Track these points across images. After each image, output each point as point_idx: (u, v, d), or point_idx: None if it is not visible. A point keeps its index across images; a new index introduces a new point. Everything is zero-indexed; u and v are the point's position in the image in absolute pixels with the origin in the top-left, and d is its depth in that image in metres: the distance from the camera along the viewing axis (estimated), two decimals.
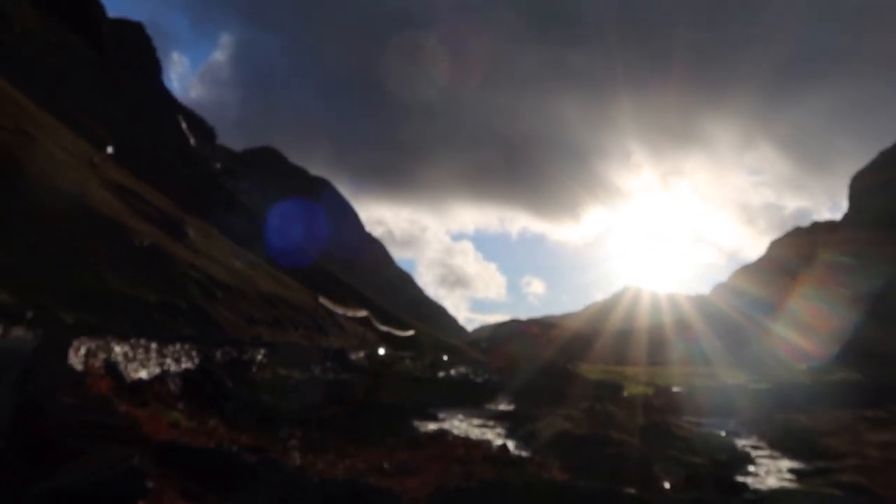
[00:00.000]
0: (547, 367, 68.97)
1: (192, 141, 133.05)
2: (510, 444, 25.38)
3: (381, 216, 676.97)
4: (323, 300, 57.47)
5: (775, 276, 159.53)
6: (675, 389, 57.71)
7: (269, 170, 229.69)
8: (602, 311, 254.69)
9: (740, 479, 24.50)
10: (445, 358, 73.91)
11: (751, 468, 27.77)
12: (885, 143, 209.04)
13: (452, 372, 58.14)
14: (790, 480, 25.79)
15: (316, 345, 44.01)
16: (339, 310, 59.64)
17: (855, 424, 39.08)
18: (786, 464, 28.31)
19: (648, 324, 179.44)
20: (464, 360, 79.81)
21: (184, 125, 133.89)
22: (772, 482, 25.27)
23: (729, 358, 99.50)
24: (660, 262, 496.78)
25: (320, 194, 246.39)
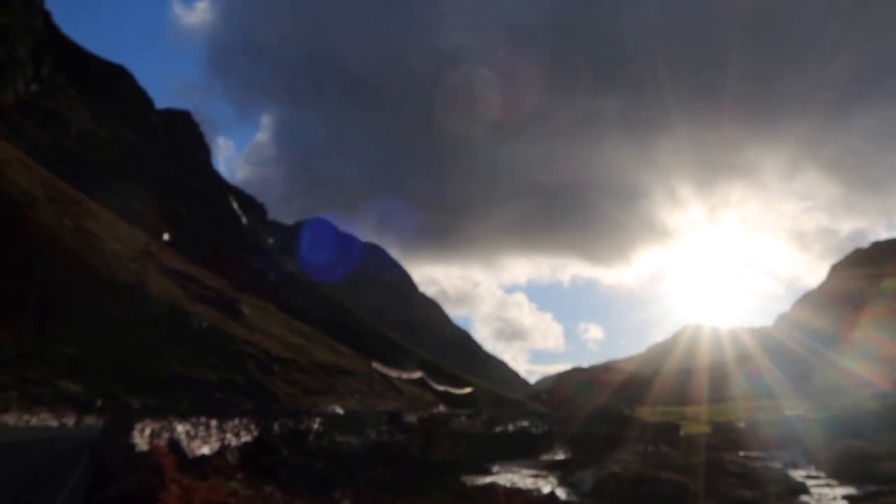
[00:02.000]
0: (606, 412, 68.98)
1: (244, 219, 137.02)
2: (560, 492, 26.12)
3: (433, 275, 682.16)
4: (377, 365, 58.69)
5: (839, 304, 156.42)
6: (734, 425, 57.34)
7: (321, 239, 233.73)
8: (663, 352, 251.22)
9: None
10: (503, 413, 74.43)
11: (804, 498, 28.02)
12: None
13: (510, 426, 58.63)
14: None
15: (370, 409, 45.16)
16: (394, 373, 60.77)
17: None
18: (840, 491, 28.46)
19: (710, 360, 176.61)
20: (523, 413, 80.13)
21: (235, 205, 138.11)
22: None
23: (793, 389, 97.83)
24: (718, 297, 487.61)
25: (372, 260, 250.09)
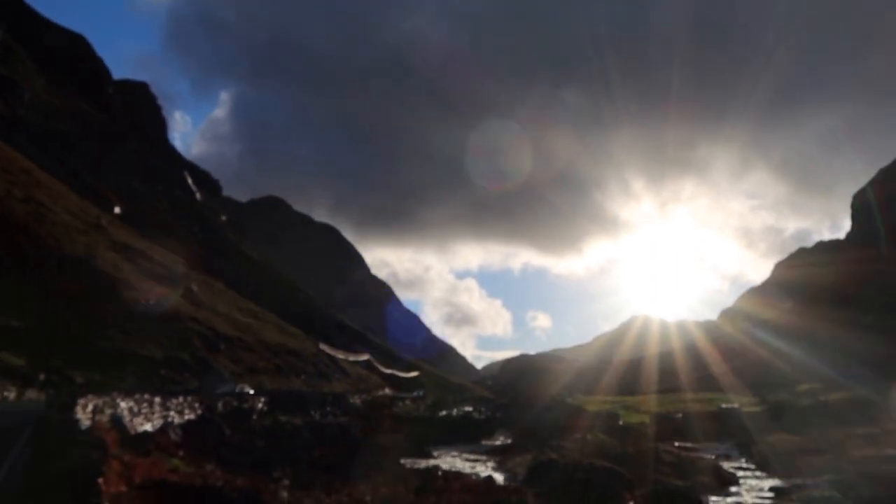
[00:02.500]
0: (550, 400, 70.16)
1: (197, 195, 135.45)
2: (497, 476, 26.85)
3: (385, 258, 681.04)
4: (324, 346, 58.95)
5: (782, 298, 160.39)
6: (673, 416, 58.83)
7: (275, 219, 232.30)
8: (611, 342, 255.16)
9: (716, 498, 25.93)
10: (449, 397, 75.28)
11: (733, 489, 29.14)
12: (883, 162, 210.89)
13: (454, 411, 59.39)
14: (767, 498, 27.16)
15: (316, 390, 45.49)
16: (341, 355, 61.07)
17: (844, 442, 40.34)
18: (768, 483, 29.64)
19: (658, 351, 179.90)
20: (468, 399, 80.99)
21: (189, 181, 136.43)
22: (749, 500, 26.68)
23: (738, 381, 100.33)
24: (665, 290, 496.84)
25: (325, 239, 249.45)
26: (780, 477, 29.95)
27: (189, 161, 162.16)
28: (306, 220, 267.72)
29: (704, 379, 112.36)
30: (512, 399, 74.47)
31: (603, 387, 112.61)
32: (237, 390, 37.15)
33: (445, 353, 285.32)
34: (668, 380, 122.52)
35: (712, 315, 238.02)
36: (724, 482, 28.11)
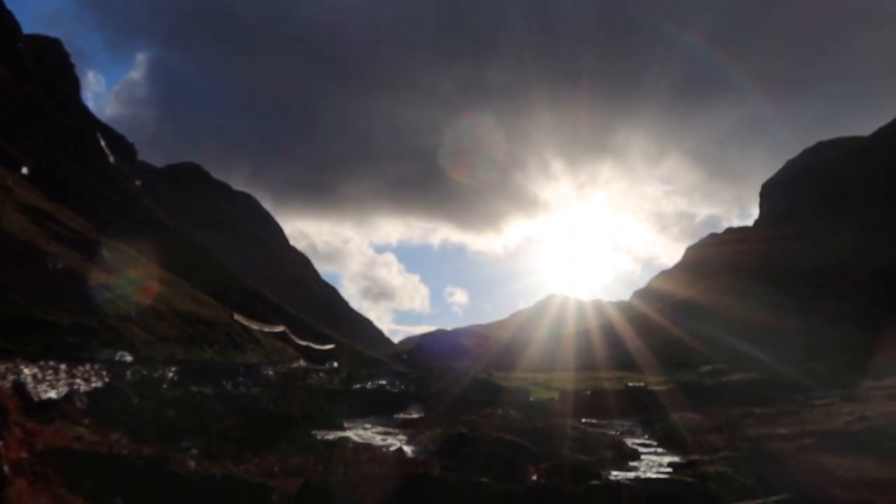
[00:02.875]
0: (464, 376, 71.14)
1: (111, 159, 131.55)
2: (407, 448, 27.23)
3: (304, 230, 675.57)
4: (238, 317, 58.36)
5: (692, 281, 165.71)
6: (583, 392, 60.37)
7: (192, 185, 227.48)
8: (528, 320, 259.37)
9: (616, 472, 26.89)
10: (364, 370, 75.54)
11: (633, 463, 30.23)
12: (792, 153, 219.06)
13: (368, 384, 59.71)
14: (664, 473, 28.28)
15: (229, 361, 45.12)
16: (256, 326, 60.56)
17: (741, 420, 42.23)
18: (667, 459, 30.80)
19: (574, 330, 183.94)
20: (383, 372, 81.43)
21: (102, 143, 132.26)
22: (647, 474, 27.74)
23: (651, 359, 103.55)
24: (581, 271, 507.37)
25: (243, 209, 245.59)
26: (679, 453, 31.10)
27: (102, 123, 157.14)
28: (224, 189, 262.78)
29: (618, 357, 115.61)
30: (427, 373, 75.26)
31: (518, 363, 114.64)
32: (116, 358, 36.20)
33: (363, 326, 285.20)
34: (583, 358, 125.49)
35: (626, 296, 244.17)
36: (626, 457, 29.12)
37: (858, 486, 22.25)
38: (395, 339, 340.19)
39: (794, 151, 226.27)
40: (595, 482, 16.34)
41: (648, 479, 20.50)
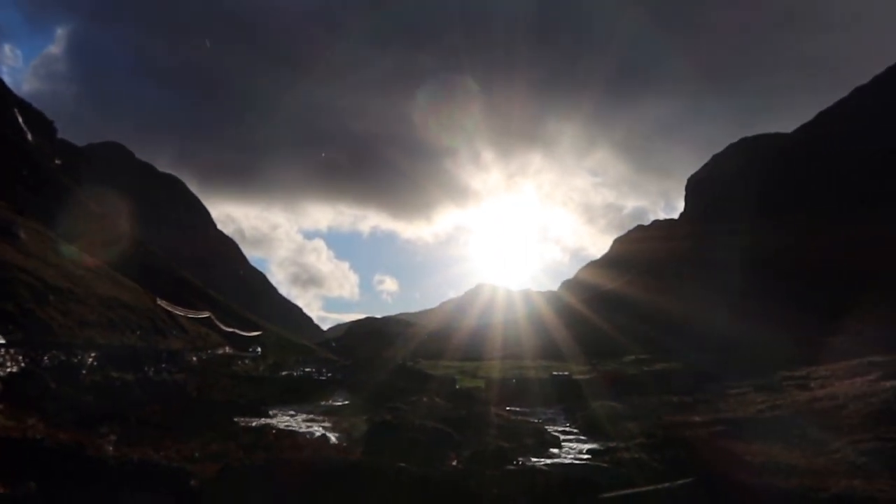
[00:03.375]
0: (392, 363, 71.38)
1: (29, 136, 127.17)
2: (331, 435, 27.36)
3: (232, 214, 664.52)
4: (162, 302, 57.32)
5: (618, 272, 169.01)
6: (508, 381, 61.30)
7: (115, 166, 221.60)
8: (457, 308, 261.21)
9: (536, 459, 27.51)
10: (293, 357, 75.16)
11: (554, 450, 30.92)
12: (717, 148, 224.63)
13: (295, 371, 59.49)
14: (582, 459, 29.05)
15: (152, 347, 44.37)
16: (180, 311, 59.56)
17: (659, 409, 43.50)
18: (587, 446, 31.59)
19: (502, 319, 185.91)
20: (311, 359, 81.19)
21: (20, 119, 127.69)
22: (565, 460, 28.46)
23: (577, 349, 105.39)
24: (511, 260, 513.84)
25: (169, 191, 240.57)
26: (598, 440, 31.92)
27: (19, 98, 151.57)
28: (149, 170, 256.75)
29: (545, 347, 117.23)
30: (355, 361, 75.28)
31: (447, 352, 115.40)
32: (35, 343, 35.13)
33: (291, 313, 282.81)
34: (510, 347, 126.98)
35: (555, 286, 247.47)
36: (547, 444, 29.76)
37: (764, 470, 23.29)
38: (325, 327, 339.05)
39: (719, 146, 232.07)
40: (511, 467, 16.77)
41: (564, 465, 21.08)
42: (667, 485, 14.44)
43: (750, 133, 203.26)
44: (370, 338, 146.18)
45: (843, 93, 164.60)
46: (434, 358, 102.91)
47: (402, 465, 15.04)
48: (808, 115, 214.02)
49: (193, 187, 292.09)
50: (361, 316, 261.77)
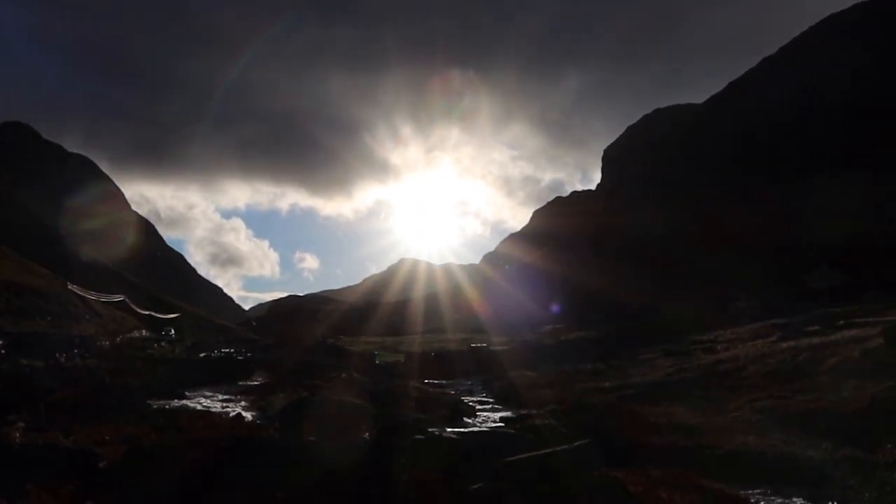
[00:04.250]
0: (313, 341, 71.43)
1: None
2: (247, 414, 27.53)
3: (146, 194, 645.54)
4: (73, 287, 56.08)
5: (537, 245, 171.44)
6: (428, 354, 62.17)
7: (20, 147, 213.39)
8: (380, 284, 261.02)
9: (450, 428, 28.27)
10: (214, 338, 74.44)
11: (468, 420, 31.70)
12: (632, 120, 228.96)
13: (214, 352, 59.03)
14: (495, 426, 29.96)
15: (64, 332, 43.53)
16: (93, 295, 58.37)
17: (572, 376, 44.81)
18: (501, 414, 32.50)
19: (424, 293, 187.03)
20: (231, 340, 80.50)
21: None
22: (478, 428, 29.33)
23: (497, 321, 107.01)
24: (432, 234, 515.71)
25: (79, 172, 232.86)
26: (511, 408, 32.84)
27: None
28: (57, 150, 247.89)
29: (467, 319, 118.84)
30: (275, 340, 75.05)
31: (369, 328, 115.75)
32: None
33: (211, 294, 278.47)
34: (432, 321, 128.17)
35: (476, 259, 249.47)
36: (462, 414, 30.51)
37: (667, 431, 24.49)
38: (246, 307, 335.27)
39: (634, 118, 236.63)
40: (419, 437, 17.34)
41: (474, 433, 21.81)
42: (565, 447, 15.21)
43: (663, 105, 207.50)
44: (291, 316, 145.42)
45: (752, 63, 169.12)
46: (356, 334, 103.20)
47: (311, 439, 15.44)
48: (719, 85, 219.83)
49: (105, 167, 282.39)
50: (283, 295, 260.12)
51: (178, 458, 13.43)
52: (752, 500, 15.57)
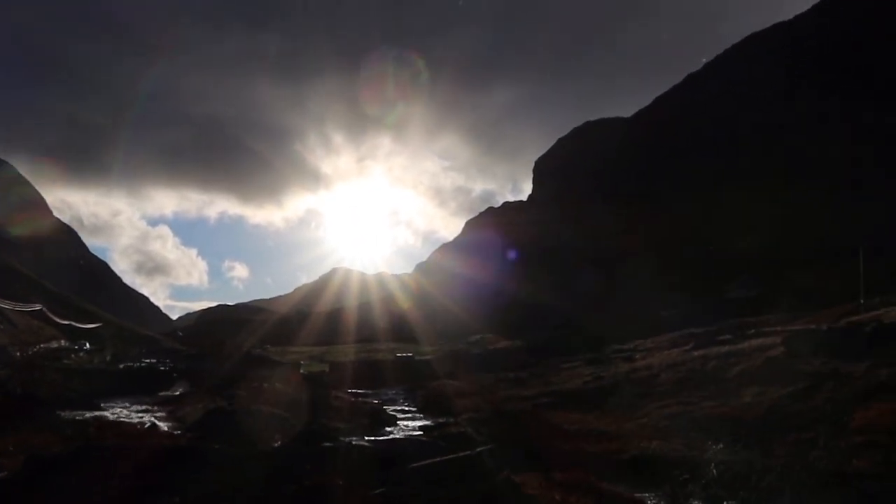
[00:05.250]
0: (239, 351, 70.63)
1: None
2: (163, 424, 27.24)
3: (68, 200, 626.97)
4: None
5: (468, 255, 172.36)
6: (357, 364, 62.06)
7: None
8: (311, 293, 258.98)
9: (369, 437, 28.47)
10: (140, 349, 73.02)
11: (388, 428, 31.93)
12: (563, 132, 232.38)
13: (136, 363, 57.87)
14: (412, 434, 30.28)
15: None
16: (7, 304, 56.75)
17: (495, 385, 45.41)
18: (420, 423, 32.81)
19: (357, 303, 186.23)
20: (156, 350, 78.92)
21: None
22: (396, 436, 29.63)
23: (428, 330, 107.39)
24: (364, 244, 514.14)
25: None
26: (431, 417, 33.18)
27: None
28: None
29: (398, 329, 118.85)
30: (199, 350, 73.94)
31: (299, 337, 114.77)
32: None
33: (137, 303, 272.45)
34: (364, 330, 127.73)
35: (409, 268, 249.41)
36: (382, 423, 30.72)
37: (577, 436, 25.16)
38: (174, 316, 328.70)
39: (564, 130, 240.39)
40: (328, 444, 17.53)
41: (387, 441, 22.05)
42: (468, 452, 15.59)
43: (593, 118, 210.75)
44: (219, 326, 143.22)
45: (677, 79, 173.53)
46: (286, 344, 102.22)
47: (218, 446, 15.51)
48: (645, 100, 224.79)
49: (24, 171, 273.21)
50: (213, 304, 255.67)
51: (83, 465, 13.40)
52: (648, 503, 16.16)
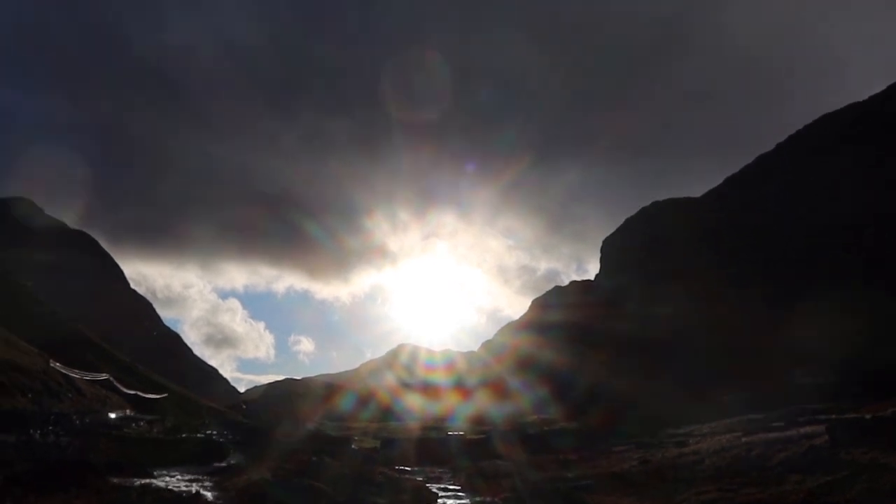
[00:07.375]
0: (297, 426, 71.67)
1: None
2: (209, 493, 28.10)
3: (144, 273, 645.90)
4: (56, 364, 56.77)
5: (536, 333, 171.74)
6: (405, 441, 62.36)
7: (22, 223, 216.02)
8: (378, 369, 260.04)
9: None
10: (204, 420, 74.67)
11: None
12: (630, 212, 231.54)
13: (196, 434, 59.27)
14: None
15: (42, 409, 44.15)
16: (76, 373, 59.01)
17: (542, 466, 45.26)
18: (461, 502, 33.03)
19: (423, 380, 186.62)
20: (217, 421, 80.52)
21: None
22: None
23: (489, 408, 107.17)
24: (429, 321, 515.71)
25: (79, 249, 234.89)
26: (471, 496, 33.37)
27: None
28: (58, 227, 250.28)
29: (467, 405, 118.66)
30: (259, 423, 75.27)
31: (361, 413, 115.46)
32: None
33: (206, 374, 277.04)
34: (429, 408, 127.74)
35: (474, 346, 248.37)
36: (422, 501, 31.01)
37: None
38: (241, 388, 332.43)
39: (631, 210, 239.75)
40: None
41: None
42: None
43: (661, 198, 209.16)
44: (284, 399, 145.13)
45: (748, 159, 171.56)
46: (347, 419, 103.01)
47: None
48: (715, 180, 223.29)
49: (105, 244, 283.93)
50: (280, 377, 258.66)
51: None
52: None
